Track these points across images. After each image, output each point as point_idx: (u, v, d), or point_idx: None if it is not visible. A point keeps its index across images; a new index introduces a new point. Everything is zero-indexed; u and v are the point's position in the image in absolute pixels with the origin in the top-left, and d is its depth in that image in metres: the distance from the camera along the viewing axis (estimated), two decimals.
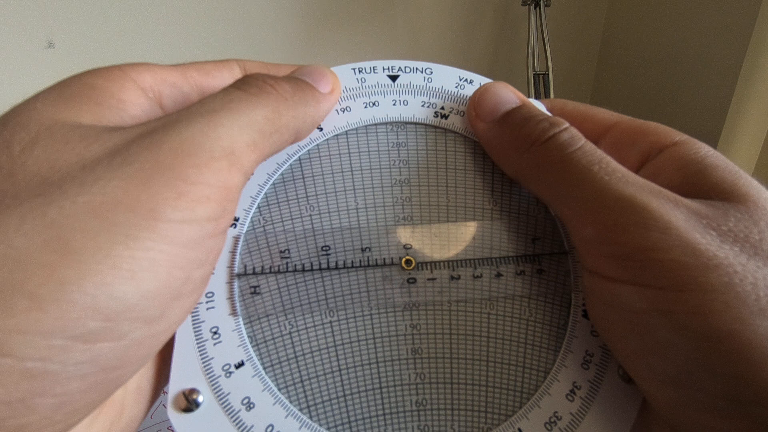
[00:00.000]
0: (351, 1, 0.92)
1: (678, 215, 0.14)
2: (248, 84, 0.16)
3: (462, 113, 0.20)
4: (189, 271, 0.14)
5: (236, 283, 0.18)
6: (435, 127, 0.20)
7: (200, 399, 0.17)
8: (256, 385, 0.17)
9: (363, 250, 0.19)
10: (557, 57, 0.89)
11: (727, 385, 0.13)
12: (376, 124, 0.20)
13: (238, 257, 0.18)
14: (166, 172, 0.13)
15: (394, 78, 0.21)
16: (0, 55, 0.70)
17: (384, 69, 0.21)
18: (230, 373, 0.17)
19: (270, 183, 0.19)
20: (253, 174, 0.17)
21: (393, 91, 0.21)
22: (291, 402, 0.17)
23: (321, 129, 0.20)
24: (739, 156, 0.84)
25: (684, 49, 0.89)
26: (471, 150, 0.20)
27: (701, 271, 0.13)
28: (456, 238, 0.19)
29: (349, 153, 0.20)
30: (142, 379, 0.17)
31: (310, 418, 0.17)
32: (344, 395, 0.18)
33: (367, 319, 0.18)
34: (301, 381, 0.18)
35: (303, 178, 0.19)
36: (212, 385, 0.17)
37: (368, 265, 0.19)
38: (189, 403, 0.16)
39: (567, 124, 0.17)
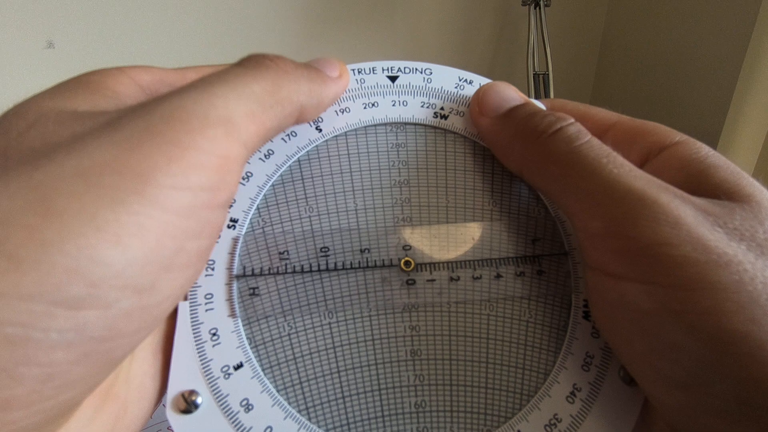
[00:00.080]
0: (351, 1, 0.92)
1: (687, 211, 0.14)
2: (246, 60, 0.16)
3: (462, 114, 0.20)
4: (182, 241, 0.13)
5: (235, 285, 0.18)
6: (434, 127, 0.20)
7: (199, 400, 0.17)
8: (255, 387, 0.17)
9: (362, 251, 0.19)
10: (557, 57, 0.89)
11: (738, 389, 0.13)
12: (375, 125, 0.20)
13: (237, 259, 0.18)
14: (157, 137, 0.13)
15: (393, 78, 0.21)
16: (0, 55, 0.70)
17: (383, 69, 0.21)
18: (229, 374, 0.17)
19: (269, 184, 0.19)
20: (257, 150, 0.16)
21: (392, 92, 0.21)
22: (290, 403, 0.17)
23: (320, 130, 0.20)
24: (739, 156, 0.84)
25: (684, 49, 0.89)
26: (471, 150, 0.20)
27: (712, 269, 0.13)
28: (455, 239, 0.19)
29: (348, 154, 0.20)
30: (144, 377, 0.16)
31: (309, 419, 0.17)
32: (343, 397, 0.18)
33: (366, 320, 0.18)
34: (300, 382, 0.18)
35: (302, 179, 0.19)
36: (211, 386, 0.17)
37: (367, 267, 0.19)
38: (188, 404, 0.16)
39: (573, 120, 0.17)
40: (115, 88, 0.16)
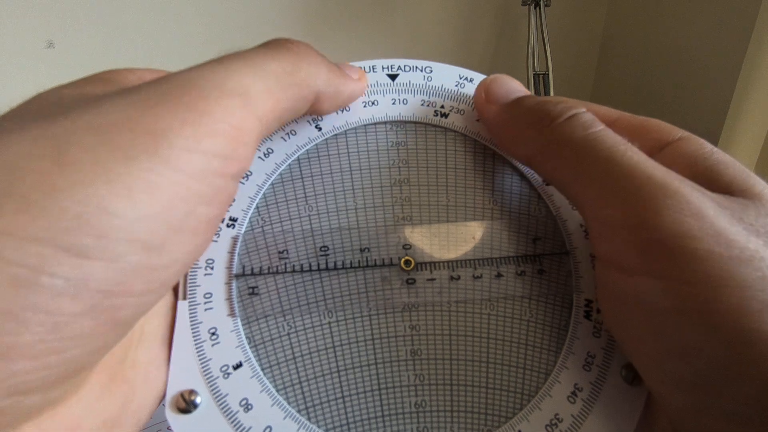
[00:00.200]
0: (351, 0, 0.92)
1: (708, 203, 0.14)
2: (269, 42, 0.16)
3: (462, 112, 0.20)
4: (193, 204, 0.13)
5: (234, 284, 0.18)
6: (435, 126, 0.20)
7: (198, 400, 0.16)
8: (254, 386, 0.17)
9: (362, 250, 0.19)
10: (557, 57, 0.89)
11: (754, 391, 0.12)
12: (375, 124, 0.20)
13: (236, 258, 0.18)
14: (172, 100, 0.13)
15: (393, 77, 0.21)
16: (0, 55, 0.70)
17: (383, 68, 0.21)
18: (228, 374, 0.17)
19: (269, 183, 0.19)
20: (271, 131, 0.16)
21: (392, 90, 0.20)
22: (289, 403, 0.17)
23: (320, 129, 0.20)
24: (739, 156, 0.83)
25: (684, 49, 0.89)
26: (471, 149, 0.20)
27: (735, 265, 0.12)
28: (456, 238, 0.19)
29: (348, 153, 0.20)
30: (151, 364, 0.16)
31: (309, 419, 0.17)
32: (343, 396, 0.18)
33: (366, 319, 0.18)
34: (300, 382, 0.18)
35: (302, 178, 0.19)
36: (210, 386, 0.17)
37: (367, 266, 0.19)
38: (187, 404, 0.16)
39: (585, 108, 0.17)
40: (124, 83, 0.16)
